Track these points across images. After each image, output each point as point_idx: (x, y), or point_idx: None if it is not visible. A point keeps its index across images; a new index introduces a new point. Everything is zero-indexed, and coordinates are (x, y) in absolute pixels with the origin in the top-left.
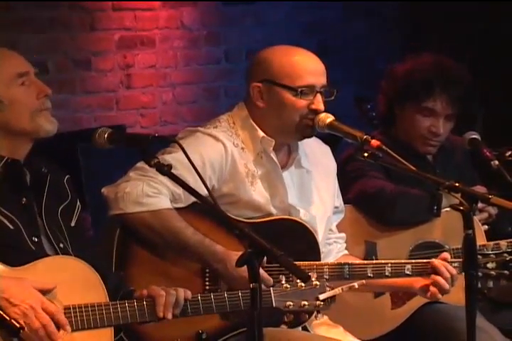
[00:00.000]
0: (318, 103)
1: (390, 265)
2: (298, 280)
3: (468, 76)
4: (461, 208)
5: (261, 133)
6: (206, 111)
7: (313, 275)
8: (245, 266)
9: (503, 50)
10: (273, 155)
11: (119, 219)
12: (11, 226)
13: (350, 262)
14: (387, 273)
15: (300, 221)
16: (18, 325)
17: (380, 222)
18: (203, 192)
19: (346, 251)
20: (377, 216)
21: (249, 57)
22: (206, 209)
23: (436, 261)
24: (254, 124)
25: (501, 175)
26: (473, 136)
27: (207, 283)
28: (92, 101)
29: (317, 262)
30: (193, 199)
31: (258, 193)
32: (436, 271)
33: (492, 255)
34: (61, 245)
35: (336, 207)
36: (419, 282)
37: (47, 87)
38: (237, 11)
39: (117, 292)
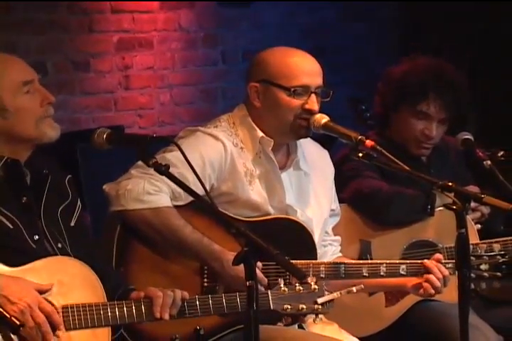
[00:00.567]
0: (313, 103)
1: (385, 265)
2: (296, 284)
3: (464, 80)
4: (455, 207)
5: (260, 133)
6: (203, 111)
7: (312, 279)
8: (241, 265)
9: (503, 50)
10: (272, 155)
11: (119, 215)
12: (11, 226)
13: (346, 261)
14: (382, 273)
15: (297, 220)
16: (18, 322)
17: (374, 221)
18: (202, 190)
19: (341, 254)
20: (372, 215)
21: (245, 58)
22: (205, 207)
23: (428, 262)
24: (254, 124)
25: (494, 174)
26: (467, 137)
27: (205, 280)
28: (90, 102)
29: (313, 261)
30: None
31: (256, 192)
32: (428, 272)
33: (485, 257)
34: (59, 245)
35: (333, 210)
36: (412, 281)
37: (50, 94)
38: (234, 14)
39: (116, 290)
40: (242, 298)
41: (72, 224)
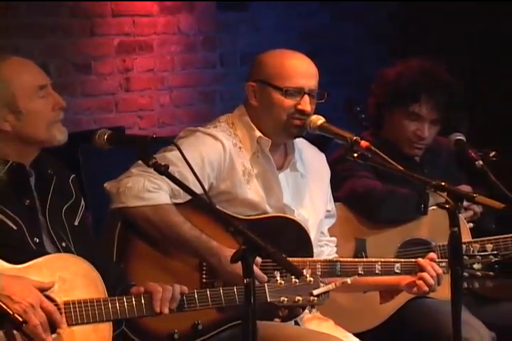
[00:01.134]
0: (305, 104)
1: (380, 263)
2: (292, 277)
3: (456, 82)
4: (447, 206)
5: (258, 133)
6: (202, 113)
7: (308, 271)
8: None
9: (503, 50)
10: (269, 155)
11: (120, 212)
12: (15, 227)
13: (341, 259)
14: (377, 271)
15: (294, 219)
16: (21, 319)
17: (369, 220)
18: (201, 189)
19: (336, 255)
20: (367, 214)
21: (243, 61)
22: (204, 205)
23: (422, 261)
24: (252, 124)
25: (485, 174)
26: (459, 138)
27: (204, 276)
28: (92, 103)
29: (310, 259)
30: None
31: (253, 191)
32: (422, 270)
33: (478, 256)
34: (63, 244)
35: (328, 211)
36: (406, 279)
37: (62, 99)
38: (232, 18)
39: (117, 286)
40: (240, 291)
41: (76, 223)
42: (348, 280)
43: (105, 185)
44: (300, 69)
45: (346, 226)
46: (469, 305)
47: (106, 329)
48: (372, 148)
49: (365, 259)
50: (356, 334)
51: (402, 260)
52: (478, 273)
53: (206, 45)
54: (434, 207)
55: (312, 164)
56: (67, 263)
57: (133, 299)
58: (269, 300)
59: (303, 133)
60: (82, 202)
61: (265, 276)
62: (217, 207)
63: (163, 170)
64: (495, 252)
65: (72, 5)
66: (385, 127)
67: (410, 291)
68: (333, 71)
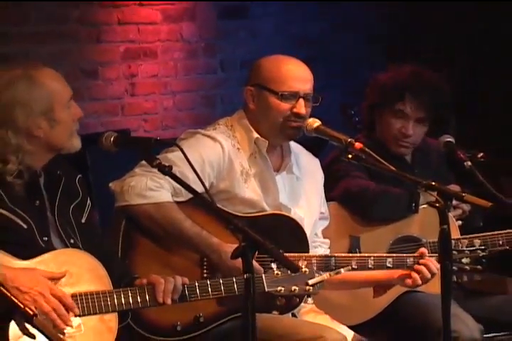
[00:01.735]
0: (300, 107)
1: (372, 258)
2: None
3: (443, 84)
4: (437, 205)
5: (255, 135)
6: (204, 116)
7: (303, 263)
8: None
9: (503, 50)
10: (266, 155)
11: (124, 210)
12: (25, 226)
13: (336, 254)
14: (370, 266)
15: (291, 216)
16: (31, 312)
17: (363, 218)
18: (202, 188)
19: None
20: (361, 212)
21: (243, 67)
22: (205, 204)
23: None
24: (250, 126)
25: (474, 174)
26: (448, 139)
27: (205, 271)
28: (99, 107)
29: (306, 254)
30: None
31: (251, 190)
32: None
33: (466, 251)
34: (71, 241)
35: (322, 213)
36: (398, 273)
37: (81, 110)
38: (232, 25)
39: (121, 280)
40: (239, 282)
41: (83, 220)
42: (342, 270)
43: (110, 184)
44: (295, 74)
45: (341, 224)
46: (458, 299)
47: (112, 320)
48: (366, 149)
49: (358, 254)
50: (350, 327)
51: (394, 255)
52: (467, 267)
53: (207, 52)
54: (425, 206)
55: (307, 168)
56: (73, 258)
57: (137, 291)
58: (266, 290)
59: (299, 134)
60: (88, 200)
61: (262, 269)
62: (218, 205)
63: (166, 171)
64: (482, 247)
65: (79, 13)
66: (377, 129)
67: (403, 283)
68: (329, 76)
